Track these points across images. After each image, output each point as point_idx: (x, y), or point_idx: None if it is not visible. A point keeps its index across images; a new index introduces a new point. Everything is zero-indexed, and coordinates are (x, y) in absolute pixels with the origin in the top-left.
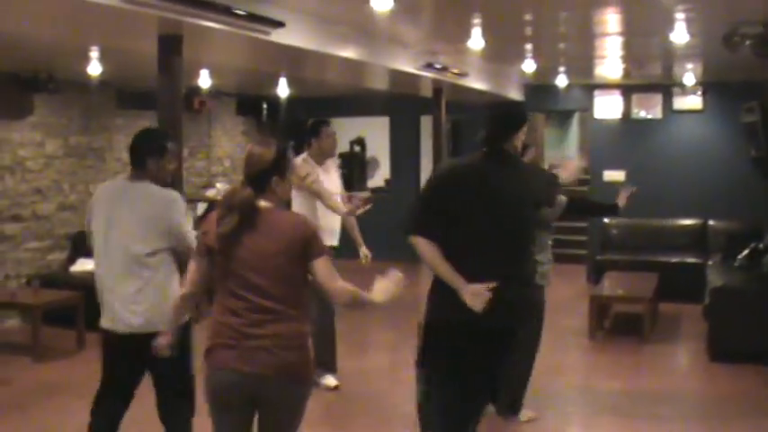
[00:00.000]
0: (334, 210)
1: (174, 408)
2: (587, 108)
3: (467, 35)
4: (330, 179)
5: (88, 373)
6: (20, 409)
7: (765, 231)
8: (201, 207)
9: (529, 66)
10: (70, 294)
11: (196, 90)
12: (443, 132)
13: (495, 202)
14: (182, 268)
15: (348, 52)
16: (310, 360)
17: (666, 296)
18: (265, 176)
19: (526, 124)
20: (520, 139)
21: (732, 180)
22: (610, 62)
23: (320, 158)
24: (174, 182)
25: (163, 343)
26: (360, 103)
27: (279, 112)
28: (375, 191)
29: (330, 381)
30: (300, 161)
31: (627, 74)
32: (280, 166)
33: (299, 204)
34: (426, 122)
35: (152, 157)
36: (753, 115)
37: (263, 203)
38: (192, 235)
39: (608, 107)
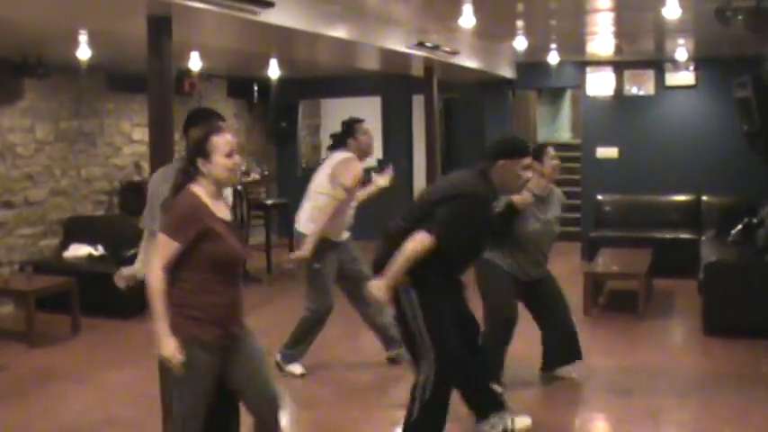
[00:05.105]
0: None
1: None
2: (579, 85)
3: (458, 13)
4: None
5: (83, 359)
6: (15, 395)
7: (758, 206)
8: None
9: (520, 43)
10: (63, 280)
11: (186, 72)
12: (435, 112)
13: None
14: None
15: (338, 32)
16: (174, 325)
17: (661, 272)
18: (192, 159)
19: (525, 157)
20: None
21: (725, 155)
22: (601, 38)
23: (361, 157)
24: None
25: None
26: (351, 83)
27: (270, 94)
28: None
29: (296, 368)
30: (349, 160)
31: (619, 50)
32: (202, 148)
33: (319, 203)
34: (418, 102)
35: (195, 131)
36: (745, 90)
37: (191, 185)
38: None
39: (600, 84)
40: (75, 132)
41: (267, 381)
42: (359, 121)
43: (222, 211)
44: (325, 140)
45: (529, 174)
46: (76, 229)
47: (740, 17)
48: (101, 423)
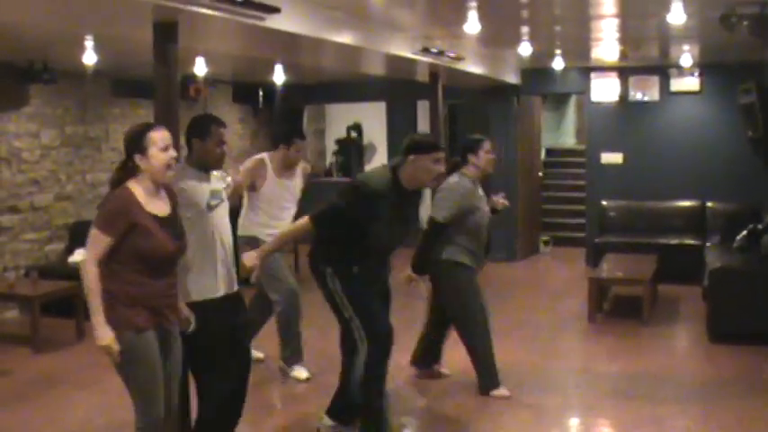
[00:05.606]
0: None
1: None
2: (584, 91)
3: (463, 19)
4: (284, 187)
5: (88, 364)
6: (20, 399)
7: (763, 212)
8: None
9: (525, 49)
10: (68, 285)
11: (192, 78)
12: (440, 117)
13: (394, 222)
14: None
15: (344, 37)
16: (110, 315)
17: (665, 278)
18: (129, 155)
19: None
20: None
21: (730, 161)
22: (606, 44)
23: (284, 165)
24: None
25: None
26: (356, 88)
27: (275, 99)
28: None
29: (301, 373)
30: (257, 158)
31: (623, 56)
32: (138, 145)
33: (247, 201)
34: (423, 107)
35: (195, 137)
36: (749, 96)
37: (129, 182)
38: None
39: (605, 90)
40: (81, 138)
41: (173, 394)
42: (300, 135)
43: (159, 207)
44: (330, 146)
45: (440, 167)
46: (82, 234)
47: (745, 23)
48: (105, 428)
